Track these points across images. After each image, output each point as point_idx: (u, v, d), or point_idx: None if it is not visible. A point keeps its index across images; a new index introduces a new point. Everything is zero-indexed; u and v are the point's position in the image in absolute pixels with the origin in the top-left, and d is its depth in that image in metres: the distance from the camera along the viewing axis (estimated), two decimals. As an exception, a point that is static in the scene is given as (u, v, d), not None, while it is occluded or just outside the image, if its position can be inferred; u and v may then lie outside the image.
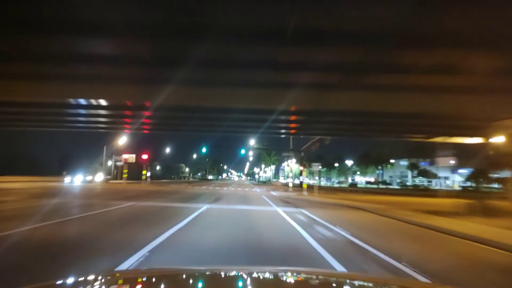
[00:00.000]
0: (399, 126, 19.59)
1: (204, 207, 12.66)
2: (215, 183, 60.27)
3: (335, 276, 2.24)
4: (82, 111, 16.72)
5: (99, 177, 40.04)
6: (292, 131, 25.84)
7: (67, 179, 35.23)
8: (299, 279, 1.84)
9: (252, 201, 18.09)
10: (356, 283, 1.83)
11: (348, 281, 1.89)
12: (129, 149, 73.30)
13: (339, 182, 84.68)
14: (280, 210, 12.94)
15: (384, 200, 19.70)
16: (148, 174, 52.29)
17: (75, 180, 35.38)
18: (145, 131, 27.86)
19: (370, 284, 1.82)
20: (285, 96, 12.87)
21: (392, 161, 76.28)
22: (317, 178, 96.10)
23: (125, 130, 29.91)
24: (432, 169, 75.54)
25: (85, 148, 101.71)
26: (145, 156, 50.12)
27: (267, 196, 23.22)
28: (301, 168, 43.43)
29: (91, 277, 1.64)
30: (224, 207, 13.18)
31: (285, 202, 18.13)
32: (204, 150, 43.40)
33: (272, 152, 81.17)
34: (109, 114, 17.81)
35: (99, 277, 1.64)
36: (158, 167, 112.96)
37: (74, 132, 27.11)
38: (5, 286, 3.40)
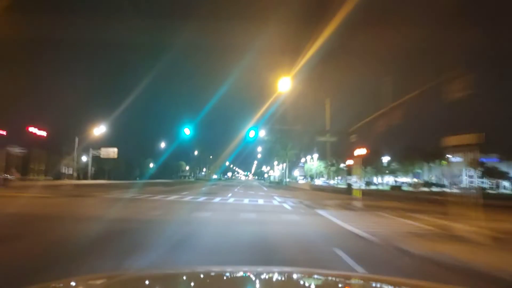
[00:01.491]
0: None
1: None
2: (214, 185, 43.04)
3: (344, 277, 2.01)
4: None
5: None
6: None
7: None
8: (306, 280, 1.77)
9: None
10: (365, 284, 1.78)
11: (356, 281, 1.83)
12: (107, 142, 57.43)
13: (367, 184, 66.68)
14: None
15: None
16: (69, 170, 34.96)
17: None
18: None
19: (378, 285, 1.74)
20: None
21: (447, 156, 57.92)
22: (337, 177, 77.08)
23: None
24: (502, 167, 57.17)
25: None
26: (36, 131, 29.19)
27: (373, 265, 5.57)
28: (351, 162, 25.82)
29: (93, 278, 1.61)
30: None
31: None
32: (188, 132, 26.06)
33: (289, 144, 63.44)
34: None
35: (102, 279, 1.61)
36: (151, 165, 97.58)
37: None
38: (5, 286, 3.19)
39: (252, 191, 28.61)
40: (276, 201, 17.47)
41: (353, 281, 1.87)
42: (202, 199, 16.65)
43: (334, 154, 66.26)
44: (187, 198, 16.65)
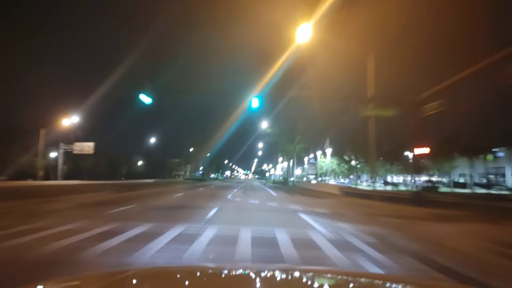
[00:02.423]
0: None
1: None
2: (201, 187, 32.70)
3: (350, 275, 1.94)
4: None
5: None
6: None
7: None
8: (308, 277, 1.71)
9: None
10: (367, 281, 1.72)
11: (358, 279, 1.75)
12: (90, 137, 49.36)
13: (385, 183, 56.37)
14: None
15: None
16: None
17: None
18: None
19: (381, 282, 1.70)
20: None
21: (494, 150, 47.04)
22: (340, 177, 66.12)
23: None
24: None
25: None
26: None
27: None
28: (425, 150, 15.07)
29: (96, 276, 1.60)
30: None
31: None
32: (147, 100, 15.94)
33: (296, 137, 52.84)
34: None
35: (105, 276, 1.58)
36: (139, 163, 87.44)
37: None
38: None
39: (255, 199, 17.94)
40: (323, 238, 6.92)
41: (359, 279, 1.76)
42: (127, 237, 6.16)
43: (351, 146, 55.68)
44: (90, 234, 6.16)
